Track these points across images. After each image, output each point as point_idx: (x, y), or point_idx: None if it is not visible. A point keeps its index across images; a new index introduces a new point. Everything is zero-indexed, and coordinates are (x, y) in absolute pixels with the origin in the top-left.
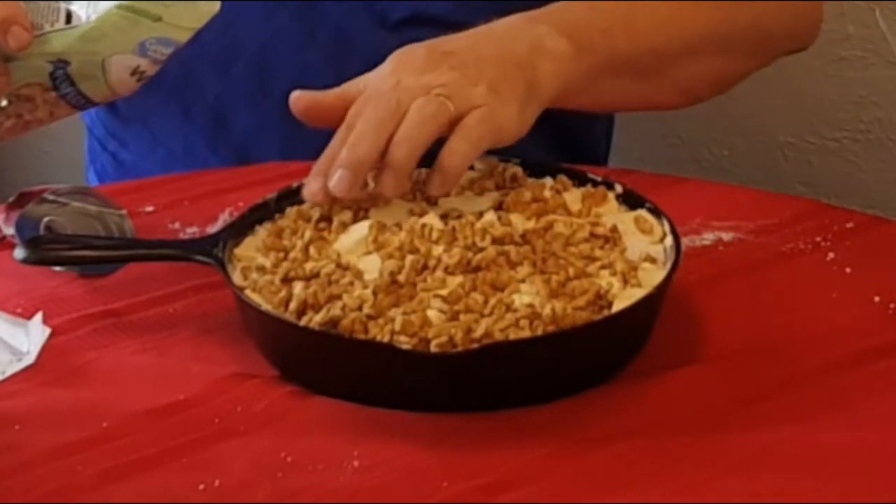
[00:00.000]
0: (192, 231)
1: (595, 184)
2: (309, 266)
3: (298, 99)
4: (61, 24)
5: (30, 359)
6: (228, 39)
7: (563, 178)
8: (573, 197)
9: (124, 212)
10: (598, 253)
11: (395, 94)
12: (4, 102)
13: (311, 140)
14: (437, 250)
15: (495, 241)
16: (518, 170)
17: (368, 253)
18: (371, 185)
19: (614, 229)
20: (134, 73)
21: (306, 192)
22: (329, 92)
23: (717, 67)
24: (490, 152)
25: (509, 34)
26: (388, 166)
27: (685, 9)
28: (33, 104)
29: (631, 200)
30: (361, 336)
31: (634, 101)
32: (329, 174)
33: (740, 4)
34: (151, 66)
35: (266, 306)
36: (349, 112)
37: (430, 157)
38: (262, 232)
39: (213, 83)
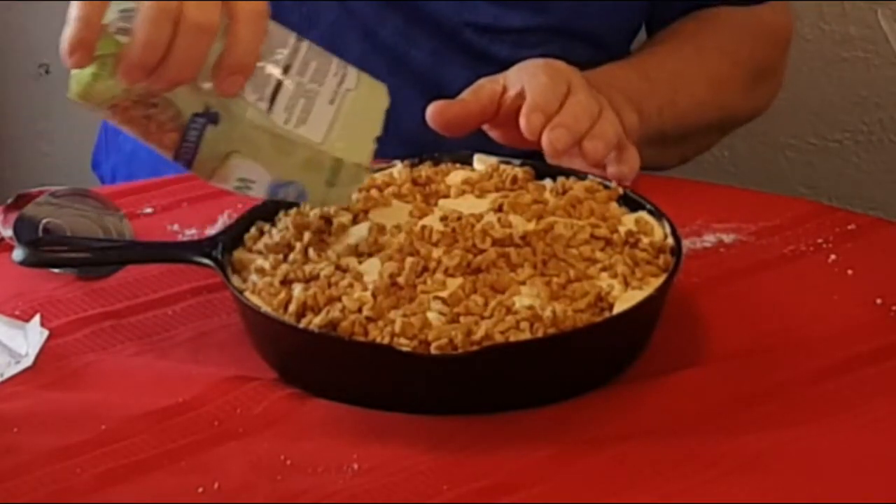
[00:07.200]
0: (190, 233)
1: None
2: (308, 268)
3: (440, 114)
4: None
5: (28, 361)
6: None
7: (563, 179)
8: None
9: (123, 213)
10: (598, 255)
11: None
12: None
13: None
14: (437, 252)
15: (496, 242)
16: (518, 171)
17: (368, 255)
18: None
19: (614, 230)
20: (241, 182)
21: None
22: (466, 99)
23: (712, 140)
24: (491, 153)
25: (591, 98)
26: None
27: (714, 93)
28: (157, 114)
29: (632, 202)
30: (361, 338)
31: (648, 163)
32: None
33: (739, 93)
34: (258, 191)
35: (265, 308)
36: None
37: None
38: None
39: None
